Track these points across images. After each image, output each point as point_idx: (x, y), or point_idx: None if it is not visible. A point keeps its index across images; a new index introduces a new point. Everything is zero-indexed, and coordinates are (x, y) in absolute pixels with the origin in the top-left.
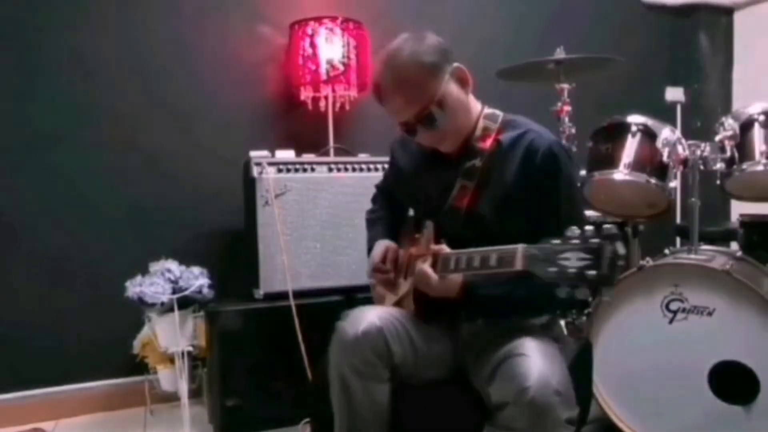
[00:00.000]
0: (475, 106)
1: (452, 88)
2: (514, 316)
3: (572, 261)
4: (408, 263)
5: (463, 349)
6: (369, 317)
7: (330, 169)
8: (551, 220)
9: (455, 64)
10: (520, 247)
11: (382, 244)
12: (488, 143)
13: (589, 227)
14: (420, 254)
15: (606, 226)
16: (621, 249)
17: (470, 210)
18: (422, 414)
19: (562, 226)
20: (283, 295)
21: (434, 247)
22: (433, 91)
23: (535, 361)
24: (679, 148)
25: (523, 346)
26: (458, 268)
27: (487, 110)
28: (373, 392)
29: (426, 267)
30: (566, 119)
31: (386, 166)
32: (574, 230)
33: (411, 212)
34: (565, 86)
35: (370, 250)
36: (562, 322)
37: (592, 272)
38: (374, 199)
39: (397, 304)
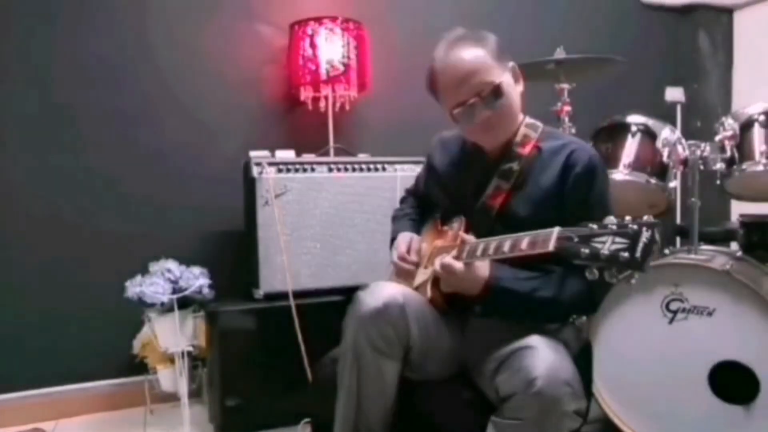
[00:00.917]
0: (519, 113)
1: (511, 79)
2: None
3: (607, 244)
4: (431, 254)
5: (469, 345)
6: (391, 290)
7: (330, 169)
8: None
9: (512, 62)
10: (556, 229)
11: (407, 235)
12: (527, 149)
13: (628, 216)
14: (446, 245)
15: (646, 216)
16: (658, 236)
17: (502, 210)
18: (425, 411)
19: None
20: (283, 295)
21: (462, 235)
22: (501, 70)
23: (544, 353)
24: (679, 148)
25: (530, 340)
26: (486, 253)
27: (528, 120)
28: (384, 369)
29: (449, 259)
30: (566, 119)
31: (386, 166)
32: (612, 218)
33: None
34: (565, 86)
35: (393, 241)
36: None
37: (625, 255)
38: (402, 201)
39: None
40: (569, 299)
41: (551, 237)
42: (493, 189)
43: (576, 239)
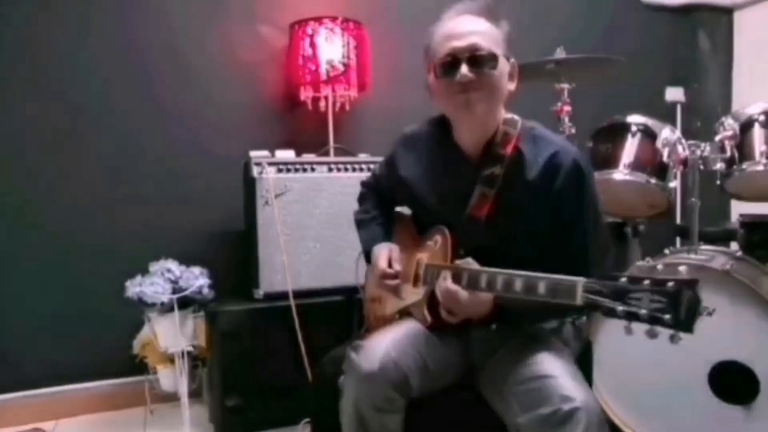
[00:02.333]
0: (501, 111)
1: (506, 69)
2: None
3: (644, 302)
4: (417, 271)
5: (472, 352)
6: (383, 347)
7: (330, 169)
8: (576, 235)
9: (513, 59)
10: (580, 282)
11: (385, 248)
12: (509, 149)
13: (659, 266)
14: (435, 264)
15: (681, 268)
16: (701, 295)
17: (490, 219)
18: (429, 422)
19: (587, 242)
20: (283, 295)
21: (460, 262)
22: (501, 51)
23: (581, 397)
24: (679, 148)
25: (545, 364)
26: (493, 288)
27: (506, 115)
28: (389, 423)
29: (451, 285)
30: (566, 119)
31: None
32: (642, 268)
33: (407, 211)
34: (565, 86)
35: (367, 251)
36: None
37: (668, 316)
38: (362, 199)
39: (403, 312)
40: (580, 312)
41: (576, 289)
42: (478, 198)
43: (606, 292)
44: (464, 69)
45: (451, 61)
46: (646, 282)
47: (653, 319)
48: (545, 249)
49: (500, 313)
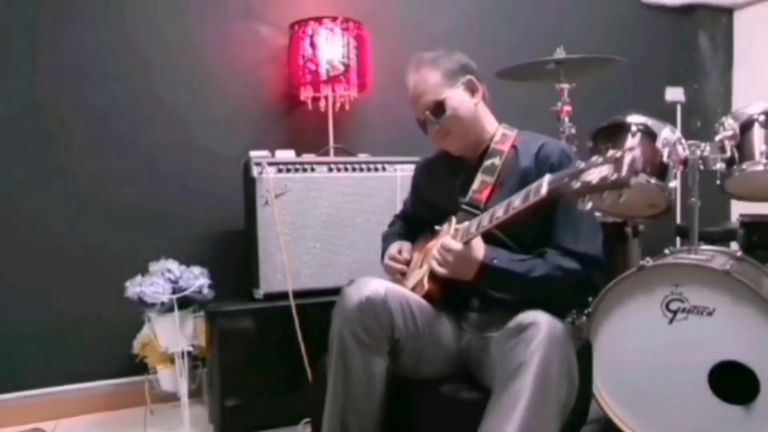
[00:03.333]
0: (491, 120)
1: (460, 94)
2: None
3: (594, 175)
4: (424, 256)
5: (468, 344)
6: (375, 285)
7: (330, 169)
8: (564, 217)
9: (468, 76)
10: (546, 178)
11: (397, 242)
12: (506, 145)
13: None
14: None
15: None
16: (639, 154)
17: (489, 203)
18: (424, 412)
19: (576, 218)
20: (283, 295)
21: (456, 225)
22: (449, 88)
23: (543, 316)
24: (679, 148)
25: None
26: (480, 226)
27: (505, 125)
28: (371, 364)
29: (448, 238)
30: (566, 119)
31: (386, 166)
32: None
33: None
34: (565, 86)
35: (384, 255)
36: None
37: (614, 176)
38: (390, 224)
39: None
40: (563, 277)
41: (543, 184)
42: (479, 184)
43: (566, 179)
44: (430, 130)
45: (420, 124)
46: (598, 159)
47: (600, 184)
48: (538, 227)
49: (485, 275)
